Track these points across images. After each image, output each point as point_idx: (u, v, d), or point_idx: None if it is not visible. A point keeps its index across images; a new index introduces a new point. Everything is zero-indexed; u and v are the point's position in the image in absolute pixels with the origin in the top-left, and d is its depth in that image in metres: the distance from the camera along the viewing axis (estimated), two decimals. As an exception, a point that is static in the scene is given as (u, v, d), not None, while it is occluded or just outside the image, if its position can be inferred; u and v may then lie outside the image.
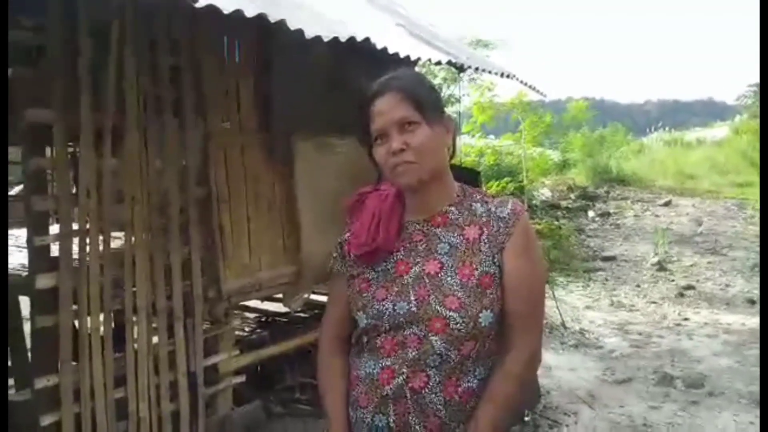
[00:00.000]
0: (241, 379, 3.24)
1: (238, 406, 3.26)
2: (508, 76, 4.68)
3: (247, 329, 4.50)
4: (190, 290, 2.96)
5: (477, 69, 4.43)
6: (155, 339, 2.82)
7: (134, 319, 2.73)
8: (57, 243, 2.55)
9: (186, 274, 2.95)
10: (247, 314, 4.83)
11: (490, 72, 4.60)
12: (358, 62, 3.46)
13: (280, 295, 3.87)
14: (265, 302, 4.82)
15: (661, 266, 8.08)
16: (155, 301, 2.80)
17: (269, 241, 3.40)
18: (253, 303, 4.67)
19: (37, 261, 2.53)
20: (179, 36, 2.93)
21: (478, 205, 1.35)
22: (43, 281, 2.48)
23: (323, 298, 4.46)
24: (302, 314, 4.55)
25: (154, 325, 2.82)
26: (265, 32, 3.13)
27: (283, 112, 3.43)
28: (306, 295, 3.80)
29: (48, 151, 3.10)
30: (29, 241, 2.54)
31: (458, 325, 1.25)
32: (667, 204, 10.93)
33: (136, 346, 2.73)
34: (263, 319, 4.73)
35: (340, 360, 1.42)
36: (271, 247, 3.42)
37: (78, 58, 2.55)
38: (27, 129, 2.54)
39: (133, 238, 2.75)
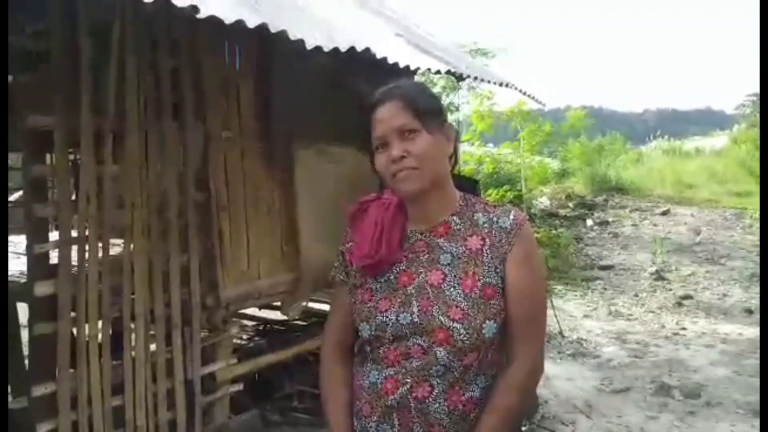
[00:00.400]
0: (239, 387, 3.24)
1: (235, 414, 3.25)
2: (506, 86, 4.70)
3: (244, 337, 4.49)
4: (188, 297, 2.96)
5: (476, 78, 4.45)
6: (153, 346, 2.82)
7: (132, 326, 2.73)
8: (56, 250, 2.55)
9: (184, 280, 2.95)
10: (245, 322, 4.82)
11: (488, 81, 4.62)
12: (359, 70, 3.48)
13: (278, 303, 3.87)
14: (263, 310, 4.81)
15: (659, 275, 8.08)
16: (153, 308, 2.80)
17: (268, 248, 3.40)
18: (251, 311, 4.66)
19: (36, 268, 2.54)
20: (179, 39, 2.95)
21: (480, 214, 1.35)
22: (42, 288, 2.48)
23: (321, 307, 4.47)
24: (300, 322, 4.54)
25: (152, 332, 2.82)
26: (265, 38, 3.15)
27: (282, 118, 3.44)
28: (304, 303, 3.80)
29: (48, 157, 3.10)
30: (29, 248, 2.54)
31: (462, 336, 1.24)
32: (665, 213, 10.94)
33: (133, 353, 2.73)
34: (261, 327, 4.72)
35: (342, 368, 1.42)
36: (270, 254, 3.42)
37: (78, 62, 2.56)
38: (28, 135, 2.54)
39: (132, 245, 2.75)
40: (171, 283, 2.88)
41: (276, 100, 3.43)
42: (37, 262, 2.54)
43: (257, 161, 3.37)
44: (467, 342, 1.25)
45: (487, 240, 1.31)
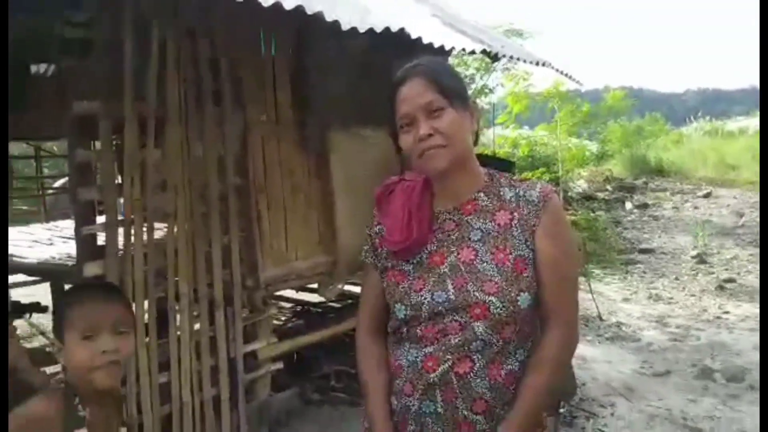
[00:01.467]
0: (279, 366, 3.31)
1: (276, 392, 3.32)
2: (543, 65, 4.62)
3: (282, 318, 4.58)
4: (229, 278, 3.03)
5: (512, 58, 4.39)
6: (197, 326, 2.90)
7: (177, 306, 2.81)
8: (103, 232, 2.64)
9: (226, 262, 3.02)
10: (282, 304, 4.91)
11: (525, 61, 4.55)
12: (393, 53, 3.47)
13: (314, 286, 3.92)
14: (299, 292, 4.89)
15: (701, 259, 7.89)
16: (197, 289, 2.88)
17: (305, 232, 3.45)
18: (288, 293, 4.74)
19: (84, 249, 2.63)
20: (217, 28, 2.99)
21: (507, 189, 1.35)
22: (91, 269, 2.57)
23: (357, 289, 4.51)
24: (335, 304, 4.60)
25: (195, 312, 2.90)
26: (300, 24, 3.17)
27: (317, 103, 3.46)
28: (340, 286, 3.84)
29: (93, 143, 3.19)
30: (76, 230, 2.63)
31: (498, 309, 1.26)
32: (707, 195, 10.64)
33: (178, 332, 2.81)
34: (298, 309, 4.80)
35: (378, 350, 1.43)
36: (307, 237, 3.47)
37: (121, 51, 2.62)
38: (73, 121, 2.62)
39: (175, 228, 2.82)
40: (213, 265, 2.95)
41: (311, 85, 3.46)
42: (85, 244, 2.63)
43: (293, 146, 3.42)
44: (504, 315, 1.26)
45: (515, 214, 1.32)
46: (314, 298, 4.78)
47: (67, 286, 3.91)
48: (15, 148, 6.85)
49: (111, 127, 2.67)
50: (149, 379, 2.68)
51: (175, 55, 2.78)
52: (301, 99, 3.44)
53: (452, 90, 1.29)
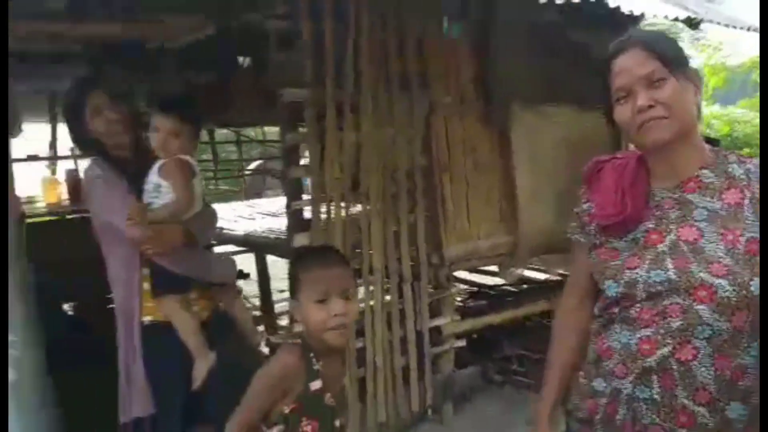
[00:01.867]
0: (462, 343, 3.38)
1: (459, 369, 3.41)
2: (754, 31, 4.11)
3: (458, 299, 4.64)
4: (416, 255, 3.15)
5: (718, 23, 3.95)
6: (387, 298, 3.07)
7: (370, 278, 2.99)
8: (309, 207, 2.89)
9: (412, 239, 3.14)
10: (459, 285, 4.97)
11: (734, 27, 4.07)
12: (583, 26, 3.33)
13: (489, 268, 3.91)
14: (473, 274, 4.92)
15: None
16: (387, 264, 3.04)
17: (487, 209, 3.47)
18: (462, 274, 4.78)
19: (293, 222, 2.91)
20: (404, 14, 3.08)
21: (735, 165, 1.25)
22: (300, 240, 2.84)
23: (536, 275, 4.43)
24: (512, 288, 4.54)
25: (386, 286, 3.07)
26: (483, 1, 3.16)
27: (501, 80, 3.43)
28: (520, 270, 3.79)
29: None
30: (287, 205, 2.92)
31: (727, 293, 1.16)
32: None
33: (372, 303, 2.99)
34: (474, 290, 4.83)
35: (575, 336, 1.41)
36: (489, 215, 3.47)
37: (322, 41, 2.81)
38: (283, 107, 2.88)
39: (368, 206, 3.00)
40: (401, 241, 3.09)
41: (495, 63, 3.44)
42: (294, 218, 2.91)
43: (476, 124, 3.44)
44: (734, 300, 1.16)
45: (746, 192, 1.21)
46: (489, 280, 4.78)
47: (269, 257, 4.39)
48: (216, 134, 7.70)
49: (315, 113, 2.88)
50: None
51: (368, 44, 2.93)
52: (484, 77, 3.43)
53: (674, 59, 1.22)
